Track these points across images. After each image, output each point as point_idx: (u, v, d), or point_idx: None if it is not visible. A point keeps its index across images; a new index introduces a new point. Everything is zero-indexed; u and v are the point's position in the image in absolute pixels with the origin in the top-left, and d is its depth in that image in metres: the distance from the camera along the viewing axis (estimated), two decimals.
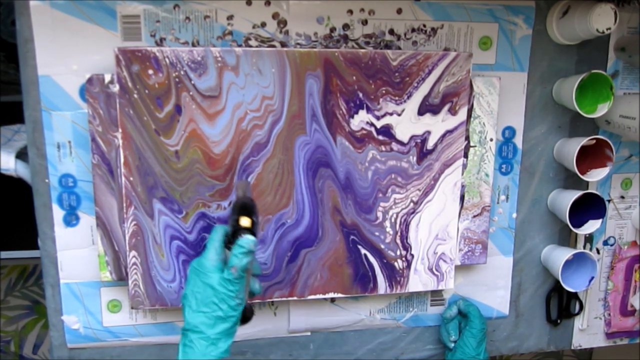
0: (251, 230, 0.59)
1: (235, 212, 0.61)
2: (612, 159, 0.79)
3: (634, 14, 0.82)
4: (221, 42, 0.72)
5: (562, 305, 0.90)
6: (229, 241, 0.60)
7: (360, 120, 0.74)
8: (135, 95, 0.68)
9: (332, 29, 0.74)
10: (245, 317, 0.62)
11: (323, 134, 0.73)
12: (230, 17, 0.71)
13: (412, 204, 0.78)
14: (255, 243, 0.59)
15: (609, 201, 0.88)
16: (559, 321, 0.91)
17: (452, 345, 0.83)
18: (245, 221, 0.59)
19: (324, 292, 0.78)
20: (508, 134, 0.82)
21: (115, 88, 0.67)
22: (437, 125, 0.76)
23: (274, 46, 0.73)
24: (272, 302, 0.80)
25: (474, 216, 0.81)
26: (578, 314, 0.91)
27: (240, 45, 0.72)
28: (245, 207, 0.60)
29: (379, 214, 0.77)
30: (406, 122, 0.75)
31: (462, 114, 0.76)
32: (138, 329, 0.78)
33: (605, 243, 0.90)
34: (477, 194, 0.81)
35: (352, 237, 0.77)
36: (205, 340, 0.58)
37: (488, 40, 0.78)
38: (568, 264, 0.82)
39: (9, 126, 0.80)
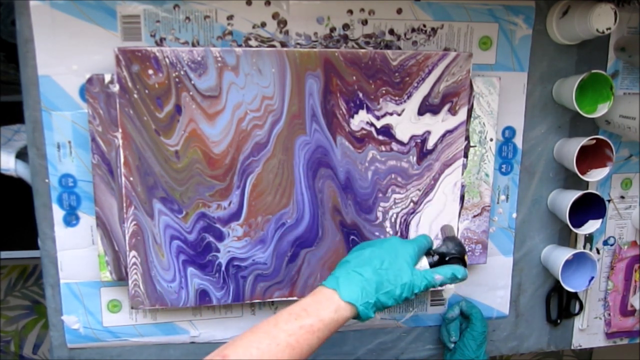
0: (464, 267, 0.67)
1: (455, 243, 0.69)
2: (612, 159, 0.79)
3: (634, 14, 0.82)
4: (221, 42, 0.72)
5: (562, 305, 0.90)
6: (434, 254, 0.67)
7: (360, 120, 0.74)
8: (135, 95, 0.68)
9: (332, 29, 0.74)
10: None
11: (323, 134, 0.73)
12: (230, 17, 0.71)
13: (412, 204, 0.78)
14: (465, 279, 0.66)
15: (609, 201, 0.88)
16: (559, 321, 0.91)
17: (452, 346, 0.83)
18: (466, 259, 0.68)
19: None
20: (508, 134, 0.82)
21: (115, 88, 0.67)
22: (437, 125, 0.76)
23: (274, 46, 0.73)
24: (272, 302, 0.80)
25: (474, 216, 0.81)
26: (578, 314, 0.91)
27: (240, 45, 0.72)
28: (464, 247, 0.69)
29: (379, 214, 0.77)
30: (406, 122, 0.75)
31: (462, 114, 0.76)
32: (138, 329, 0.78)
33: (605, 243, 0.90)
34: (477, 194, 0.81)
35: (352, 237, 0.77)
36: (368, 295, 0.60)
37: (488, 40, 0.78)
38: (568, 264, 0.82)
39: (9, 126, 0.80)
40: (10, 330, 1.63)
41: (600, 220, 0.81)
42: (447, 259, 0.67)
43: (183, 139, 0.70)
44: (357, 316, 0.60)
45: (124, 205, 0.70)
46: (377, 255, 0.63)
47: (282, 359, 0.55)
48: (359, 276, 0.61)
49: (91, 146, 0.70)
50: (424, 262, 0.66)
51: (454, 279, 0.64)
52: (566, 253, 0.82)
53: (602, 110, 0.77)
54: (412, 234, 0.79)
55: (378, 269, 0.61)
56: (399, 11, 0.75)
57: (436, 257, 0.67)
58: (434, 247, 0.69)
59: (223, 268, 0.75)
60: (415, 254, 0.64)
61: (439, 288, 0.74)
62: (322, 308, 0.58)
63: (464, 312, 0.83)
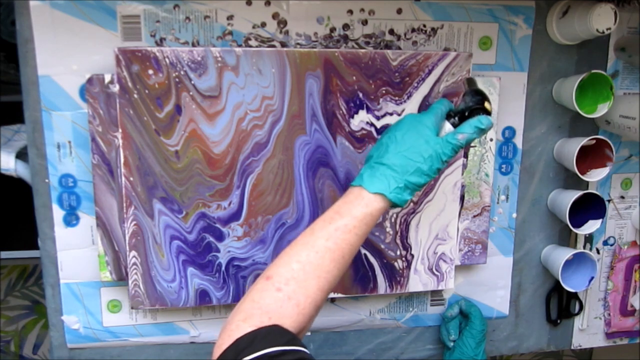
0: (489, 114, 0.62)
1: (473, 94, 0.63)
2: (612, 159, 0.79)
3: (634, 14, 0.82)
4: (221, 42, 0.72)
5: (562, 305, 0.91)
6: (455, 115, 0.62)
7: (360, 120, 0.74)
8: (135, 95, 0.68)
9: (332, 29, 0.74)
10: None
11: (323, 134, 0.73)
12: (230, 17, 0.71)
13: (411, 204, 0.78)
14: (492, 127, 0.62)
15: (609, 201, 0.88)
16: (558, 321, 0.91)
17: (451, 344, 0.83)
18: (489, 106, 0.62)
19: None
20: (508, 134, 0.82)
21: (115, 88, 0.67)
22: None
23: (274, 46, 0.73)
24: None
25: (474, 216, 0.81)
26: (578, 314, 0.91)
27: (240, 45, 0.72)
28: (484, 94, 0.62)
29: None
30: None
31: None
32: (138, 329, 0.78)
33: (605, 243, 0.90)
34: (477, 194, 0.81)
35: None
36: (396, 181, 0.58)
37: (488, 40, 0.78)
38: (568, 264, 0.82)
39: (9, 126, 0.80)
40: (10, 330, 1.63)
41: (600, 220, 0.81)
42: (467, 114, 0.62)
43: (183, 139, 0.70)
44: (394, 204, 0.59)
45: (124, 205, 0.70)
46: (395, 138, 0.61)
47: (324, 264, 0.56)
48: (381, 166, 0.59)
49: (91, 146, 0.70)
50: (447, 127, 0.62)
51: (479, 131, 0.60)
52: (566, 253, 0.82)
53: (602, 110, 0.77)
54: (412, 234, 0.79)
55: (399, 151, 0.59)
56: (399, 11, 0.75)
57: (457, 118, 0.62)
58: (455, 107, 0.64)
59: (223, 268, 0.75)
60: (433, 122, 0.61)
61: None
62: (353, 206, 0.58)
63: (463, 311, 0.83)
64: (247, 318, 0.52)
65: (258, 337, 0.50)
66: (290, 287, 0.54)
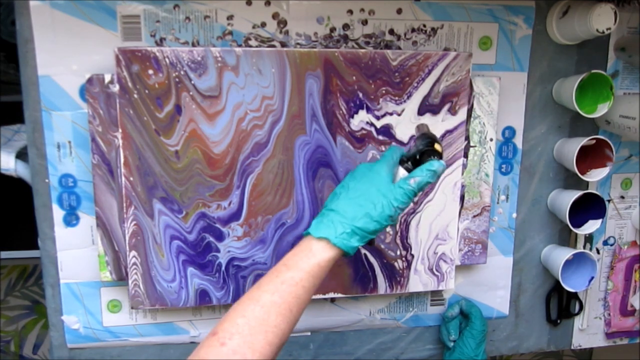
0: (440, 157, 0.62)
1: (423, 137, 0.64)
2: (612, 159, 0.79)
3: (634, 14, 0.82)
4: (221, 42, 0.72)
5: (562, 305, 0.91)
6: (407, 160, 0.63)
7: (360, 120, 0.74)
8: (135, 95, 0.68)
9: (332, 29, 0.74)
10: (370, 241, 0.62)
11: (323, 134, 0.73)
12: (230, 17, 0.71)
13: (412, 204, 0.78)
14: (444, 170, 0.62)
15: (609, 201, 0.88)
16: (558, 321, 0.91)
17: (451, 344, 0.83)
18: (438, 147, 0.63)
19: (324, 292, 0.78)
20: (508, 134, 0.82)
21: (115, 88, 0.67)
22: (437, 125, 0.76)
23: (274, 46, 0.73)
24: None
25: (474, 216, 0.81)
26: (578, 314, 0.91)
27: (240, 45, 0.72)
28: (433, 137, 0.64)
29: None
30: (406, 122, 0.75)
31: (462, 114, 0.76)
32: (138, 329, 0.78)
33: (605, 243, 0.90)
34: (477, 194, 0.81)
35: None
36: (343, 226, 0.58)
37: (488, 40, 0.78)
38: (568, 264, 0.82)
39: (9, 126, 0.80)
40: (10, 330, 1.63)
41: (600, 220, 0.81)
42: (418, 157, 0.62)
43: (183, 139, 0.70)
44: (343, 252, 0.59)
45: (124, 205, 0.70)
46: (347, 186, 0.61)
47: (270, 319, 0.55)
48: (330, 212, 0.59)
49: (91, 146, 0.70)
50: (401, 172, 0.62)
51: (431, 174, 0.60)
52: (566, 253, 0.82)
53: (602, 110, 0.77)
54: (412, 234, 0.79)
55: (349, 198, 0.59)
56: (399, 11, 0.75)
57: (410, 163, 0.63)
58: (406, 153, 0.65)
59: (223, 268, 0.75)
60: (387, 169, 0.61)
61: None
62: (300, 258, 0.58)
63: (463, 311, 0.83)
64: None
65: None
66: (234, 341, 0.53)
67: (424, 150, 0.62)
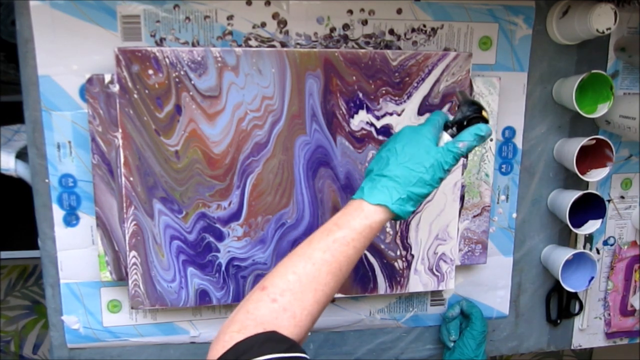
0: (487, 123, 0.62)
1: (469, 104, 0.63)
2: (612, 159, 0.79)
3: (634, 14, 0.82)
4: (221, 42, 0.72)
5: (562, 305, 0.90)
6: (452, 126, 0.62)
7: (360, 120, 0.74)
8: (135, 95, 0.68)
9: (332, 29, 0.74)
10: None
11: (323, 134, 0.73)
12: (230, 17, 0.71)
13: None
14: (491, 134, 0.62)
15: (609, 201, 0.88)
16: (559, 321, 0.91)
17: (452, 345, 0.83)
18: (486, 114, 0.62)
19: None
20: (508, 134, 0.82)
21: (115, 88, 0.67)
22: None
23: (274, 46, 0.73)
24: None
25: (474, 216, 0.81)
26: (578, 314, 0.91)
27: (240, 45, 0.72)
28: (479, 104, 0.63)
29: None
30: (406, 122, 0.75)
31: None
32: (138, 329, 0.78)
33: (605, 243, 0.90)
34: (477, 194, 0.81)
35: None
36: (398, 192, 0.58)
37: (488, 40, 0.78)
38: (568, 264, 0.82)
39: (9, 126, 0.80)
40: (10, 330, 1.63)
41: (600, 220, 0.81)
42: (465, 123, 0.62)
43: (183, 139, 0.70)
44: (397, 216, 0.59)
45: (124, 205, 0.70)
46: (395, 150, 0.60)
47: (321, 276, 0.55)
48: (382, 178, 0.59)
49: (91, 146, 0.70)
50: (445, 137, 0.62)
51: (479, 139, 0.60)
52: (566, 253, 0.82)
53: (602, 110, 0.77)
54: (412, 234, 0.79)
55: (400, 163, 0.59)
56: (399, 11, 0.75)
57: (455, 128, 0.62)
58: (451, 118, 0.65)
59: (223, 268, 0.75)
60: (432, 133, 0.61)
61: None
62: (352, 218, 0.57)
63: (464, 311, 0.83)
64: (241, 329, 0.51)
65: (257, 343, 0.49)
66: (285, 298, 0.53)
67: (472, 116, 0.62)
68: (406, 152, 0.59)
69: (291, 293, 0.54)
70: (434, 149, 0.59)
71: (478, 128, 0.60)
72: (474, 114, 0.62)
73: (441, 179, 0.60)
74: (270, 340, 0.50)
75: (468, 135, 0.60)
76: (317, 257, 0.55)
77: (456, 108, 0.65)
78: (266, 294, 0.53)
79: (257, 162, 0.72)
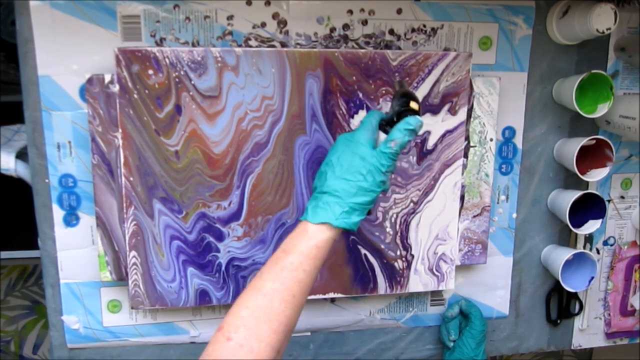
0: (418, 115, 0.61)
1: (400, 97, 0.62)
2: (612, 159, 0.79)
3: (634, 14, 0.82)
4: (221, 42, 0.72)
5: (562, 305, 0.90)
6: (386, 124, 0.61)
7: (360, 120, 0.74)
8: (135, 95, 0.68)
9: (332, 29, 0.74)
10: (370, 210, 0.62)
11: (323, 134, 0.73)
12: (230, 17, 0.71)
13: (412, 204, 0.78)
14: (422, 125, 0.60)
15: (609, 201, 0.88)
16: (559, 321, 0.91)
17: (451, 344, 0.83)
18: (414, 105, 0.61)
19: (324, 292, 0.78)
20: (508, 134, 0.82)
21: (115, 88, 0.67)
22: (437, 125, 0.76)
23: (274, 46, 0.73)
24: None
25: (474, 216, 0.81)
26: (578, 314, 0.91)
27: (240, 45, 0.72)
28: (409, 95, 0.61)
29: (379, 214, 0.77)
30: None
31: (462, 114, 0.76)
32: (138, 329, 0.78)
33: (605, 243, 0.90)
34: (477, 194, 0.81)
35: (352, 237, 0.77)
36: (341, 206, 0.57)
37: (488, 40, 0.78)
38: (568, 264, 0.82)
39: (9, 126, 0.80)
40: (10, 330, 1.63)
41: (600, 220, 0.81)
42: (396, 119, 0.60)
43: (183, 139, 0.70)
44: (345, 230, 0.58)
45: (124, 205, 0.70)
46: (331, 163, 0.60)
47: (273, 306, 0.54)
48: (323, 195, 0.59)
49: (91, 146, 0.70)
50: (382, 137, 0.61)
51: (410, 133, 0.59)
52: (566, 253, 0.82)
53: (602, 110, 0.77)
54: (412, 234, 0.79)
55: (337, 175, 0.58)
56: (399, 11, 0.75)
57: (389, 126, 0.61)
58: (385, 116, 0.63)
59: (223, 268, 0.75)
60: (366, 136, 0.60)
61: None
62: (298, 242, 0.57)
63: (463, 311, 0.83)
64: None
65: None
66: (240, 334, 0.52)
67: (400, 110, 0.60)
68: (342, 163, 0.59)
69: (245, 328, 0.53)
70: (369, 153, 0.59)
71: (406, 122, 0.59)
72: (402, 107, 0.60)
73: (383, 182, 0.59)
74: None
75: (398, 132, 0.59)
76: (268, 288, 0.55)
77: (391, 102, 0.63)
78: (222, 334, 0.53)
79: (257, 162, 0.72)
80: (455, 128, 0.77)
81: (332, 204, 0.58)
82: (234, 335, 0.52)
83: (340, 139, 0.62)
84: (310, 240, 0.57)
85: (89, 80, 0.68)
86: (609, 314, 0.92)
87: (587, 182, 0.85)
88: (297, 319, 0.57)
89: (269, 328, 0.53)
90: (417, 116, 0.60)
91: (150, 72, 0.67)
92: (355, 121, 0.74)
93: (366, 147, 0.59)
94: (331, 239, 0.58)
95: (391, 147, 0.59)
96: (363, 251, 0.78)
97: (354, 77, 0.72)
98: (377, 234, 0.78)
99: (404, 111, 0.60)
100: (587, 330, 0.93)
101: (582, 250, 0.84)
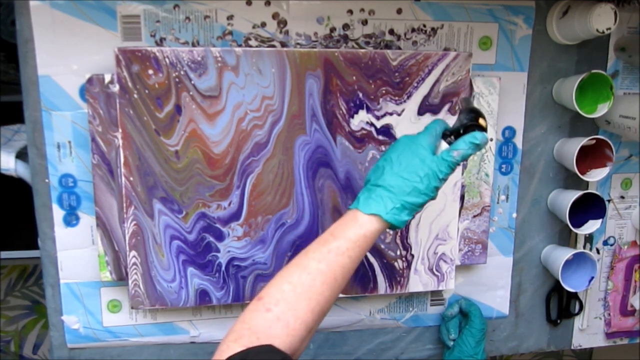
0: (485, 132, 0.62)
1: (467, 112, 0.63)
2: (612, 159, 0.79)
3: (634, 14, 0.82)
4: (221, 42, 0.72)
5: (562, 305, 0.90)
6: (450, 134, 0.62)
7: (360, 120, 0.74)
8: (135, 95, 0.68)
9: (332, 29, 0.74)
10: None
11: (323, 134, 0.73)
12: (230, 17, 0.71)
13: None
14: (487, 142, 0.61)
15: (609, 201, 0.88)
16: (559, 321, 0.91)
17: (451, 343, 0.83)
18: (483, 122, 0.62)
19: None
20: (508, 134, 0.82)
21: (115, 88, 0.67)
22: None
23: (274, 46, 0.73)
24: None
25: (474, 216, 0.81)
26: (578, 314, 0.91)
27: (240, 45, 0.72)
28: (478, 112, 0.63)
29: None
30: (406, 122, 0.75)
31: None
32: (138, 329, 0.78)
33: (605, 243, 0.90)
34: (477, 194, 0.81)
35: None
36: (393, 202, 0.58)
37: (488, 40, 0.78)
38: (568, 264, 0.82)
39: (9, 126, 0.80)
40: (10, 330, 1.63)
41: (600, 220, 0.81)
42: (462, 132, 0.62)
43: (183, 139, 0.70)
44: (392, 225, 0.59)
45: (124, 205, 0.70)
46: (390, 159, 0.61)
47: (315, 286, 0.55)
48: (377, 188, 0.59)
49: (91, 146, 0.70)
50: (444, 145, 0.62)
51: (474, 147, 0.60)
52: (566, 253, 0.82)
53: (602, 110, 0.77)
54: (412, 234, 0.79)
55: (395, 172, 0.59)
56: (399, 11, 0.75)
57: (453, 137, 0.62)
58: (450, 127, 0.64)
59: (223, 268, 0.75)
60: (428, 141, 0.61)
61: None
62: (347, 228, 0.58)
63: (463, 309, 0.83)
64: (237, 338, 0.52)
65: (249, 356, 0.50)
66: (279, 307, 0.54)
67: (468, 124, 0.62)
68: (401, 161, 0.60)
69: (285, 302, 0.54)
70: (429, 157, 0.59)
71: (473, 136, 0.60)
72: (471, 122, 0.62)
73: (437, 188, 0.60)
74: (263, 352, 0.51)
75: (463, 143, 0.60)
76: (312, 267, 0.56)
77: (457, 115, 0.65)
78: (262, 304, 0.54)
79: (257, 162, 0.72)
80: None
81: (385, 198, 0.58)
82: (274, 307, 0.54)
83: (402, 138, 0.63)
84: (360, 229, 0.58)
85: (89, 80, 0.68)
86: (609, 314, 0.92)
87: (587, 182, 0.85)
88: (332, 303, 0.58)
89: (307, 306, 0.55)
90: (485, 132, 0.61)
91: (150, 72, 0.67)
92: (356, 121, 0.74)
93: (427, 150, 0.60)
94: (378, 231, 0.59)
95: (454, 156, 0.60)
96: None
97: (354, 77, 0.73)
98: None
99: (471, 125, 0.62)
100: (587, 330, 0.93)
101: (582, 250, 0.84)
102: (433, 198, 0.61)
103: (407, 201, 0.58)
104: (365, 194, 0.60)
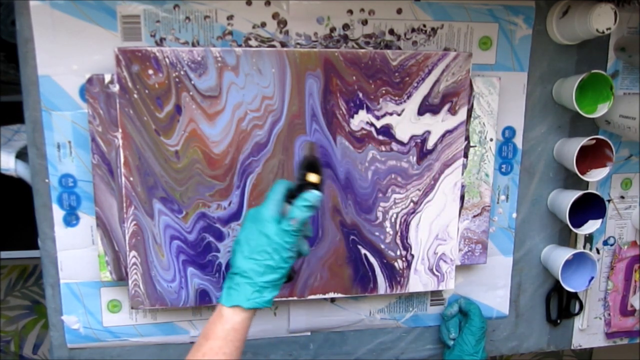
0: (317, 188, 0.61)
1: (302, 168, 0.62)
2: (612, 159, 0.79)
3: (634, 14, 0.82)
4: (221, 42, 0.72)
5: (562, 305, 0.90)
6: (291, 196, 0.61)
7: (360, 120, 0.74)
8: (135, 95, 0.68)
9: (332, 29, 0.74)
10: (289, 276, 0.63)
11: (323, 134, 0.73)
12: (230, 17, 0.71)
13: (412, 204, 0.78)
14: (321, 199, 0.60)
15: (609, 201, 0.88)
16: (559, 321, 0.91)
17: (451, 342, 0.83)
18: (313, 177, 0.61)
19: (324, 292, 0.78)
20: (508, 134, 0.82)
21: (115, 88, 0.67)
22: (437, 125, 0.76)
23: (274, 46, 0.73)
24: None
25: (474, 216, 0.81)
26: (578, 314, 0.91)
27: (240, 45, 0.72)
28: (312, 164, 0.62)
29: (379, 214, 0.77)
30: (406, 122, 0.75)
31: (462, 114, 0.76)
32: (138, 329, 0.78)
33: (605, 243, 0.90)
34: (477, 194, 0.81)
35: (352, 237, 0.77)
36: (252, 287, 0.58)
37: (488, 40, 0.78)
38: (568, 264, 0.82)
39: (9, 126, 0.80)
40: (10, 330, 1.63)
41: (600, 220, 0.81)
42: (296, 193, 0.60)
43: (183, 139, 0.70)
44: (259, 308, 0.59)
45: (124, 205, 0.70)
46: (239, 241, 0.60)
47: None
48: (235, 275, 0.60)
49: (91, 146, 0.70)
50: (288, 208, 0.60)
51: (308, 209, 0.59)
52: (566, 253, 0.82)
53: (602, 110, 0.77)
54: (412, 234, 0.79)
55: (245, 255, 0.59)
56: (399, 11, 0.75)
57: (293, 198, 0.60)
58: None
59: (223, 268, 0.75)
60: (272, 212, 0.59)
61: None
62: (215, 326, 0.59)
63: (462, 308, 0.83)
64: None
65: None
66: None
67: (299, 184, 0.61)
68: (249, 242, 0.59)
69: None
70: (273, 231, 0.59)
71: (303, 199, 0.59)
72: (301, 181, 0.61)
73: (291, 257, 0.60)
74: None
75: (297, 210, 0.59)
76: None
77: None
78: None
79: (257, 162, 0.72)
80: (455, 128, 0.77)
81: (243, 285, 0.59)
82: None
83: (248, 215, 0.62)
84: (226, 324, 0.58)
85: (89, 80, 0.68)
86: (609, 314, 0.92)
87: (587, 182, 0.85)
88: None
89: None
90: (315, 191, 0.60)
91: (150, 72, 0.67)
92: (356, 121, 0.74)
93: (271, 223, 0.59)
94: (247, 319, 0.59)
95: (292, 225, 0.59)
96: (363, 251, 0.78)
97: (354, 77, 0.72)
98: (377, 234, 0.78)
99: (302, 185, 0.61)
100: (587, 330, 0.93)
101: (582, 250, 0.84)
102: (304, 255, 0.61)
103: (265, 281, 0.59)
104: (227, 284, 0.60)
